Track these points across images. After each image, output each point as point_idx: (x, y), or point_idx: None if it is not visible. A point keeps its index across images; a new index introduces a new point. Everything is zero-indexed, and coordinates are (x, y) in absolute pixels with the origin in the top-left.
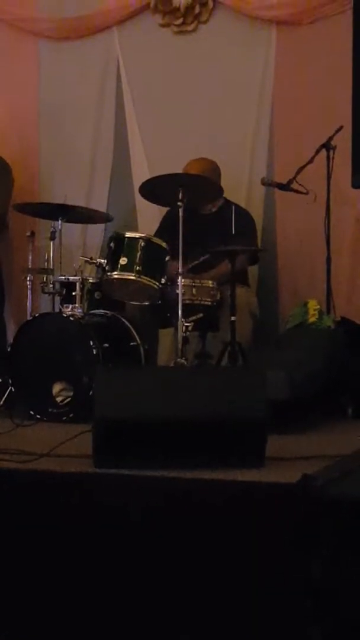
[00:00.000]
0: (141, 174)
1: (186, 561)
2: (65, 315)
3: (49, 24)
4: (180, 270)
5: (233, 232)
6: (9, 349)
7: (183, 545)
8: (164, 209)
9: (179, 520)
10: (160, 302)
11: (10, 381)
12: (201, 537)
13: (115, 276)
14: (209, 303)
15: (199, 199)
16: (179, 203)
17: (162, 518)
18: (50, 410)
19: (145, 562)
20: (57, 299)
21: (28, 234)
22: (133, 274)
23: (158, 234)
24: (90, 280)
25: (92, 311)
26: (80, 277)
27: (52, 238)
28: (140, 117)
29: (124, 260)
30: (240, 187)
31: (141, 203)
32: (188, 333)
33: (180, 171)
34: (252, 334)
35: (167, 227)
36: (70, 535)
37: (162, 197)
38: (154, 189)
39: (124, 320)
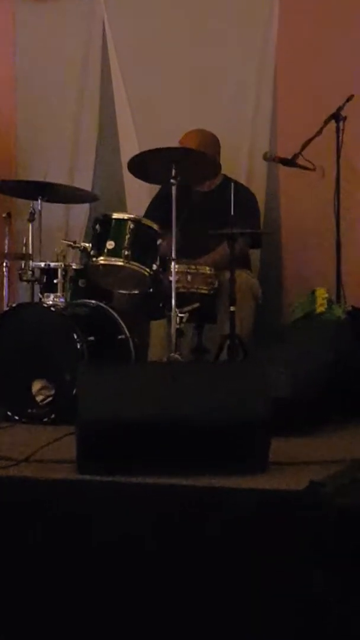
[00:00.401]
0: (130, 148)
1: (181, 577)
2: (45, 305)
3: None
4: (173, 254)
5: (232, 212)
6: None
7: (177, 560)
8: (156, 187)
9: (173, 532)
10: (151, 290)
11: None
12: (198, 551)
13: (102, 262)
14: (206, 291)
15: (194, 176)
16: (172, 180)
17: (154, 530)
18: (29, 411)
19: (136, 578)
20: (37, 287)
21: (4, 215)
22: (121, 260)
23: (149, 214)
24: (74, 267)
25: (76, 301)
26: (62, 263)
27: (31, 220)
28: (129, 85)
29: (111, 244)
30: (240, 162)
31: (130, 181)
32: (183, 325)
33: (174, 145)
34: (253, 325)
35: (158, 207)
36: (52, 548)
37: (153, 173)
38: (144, 165)
39: (111, 310)
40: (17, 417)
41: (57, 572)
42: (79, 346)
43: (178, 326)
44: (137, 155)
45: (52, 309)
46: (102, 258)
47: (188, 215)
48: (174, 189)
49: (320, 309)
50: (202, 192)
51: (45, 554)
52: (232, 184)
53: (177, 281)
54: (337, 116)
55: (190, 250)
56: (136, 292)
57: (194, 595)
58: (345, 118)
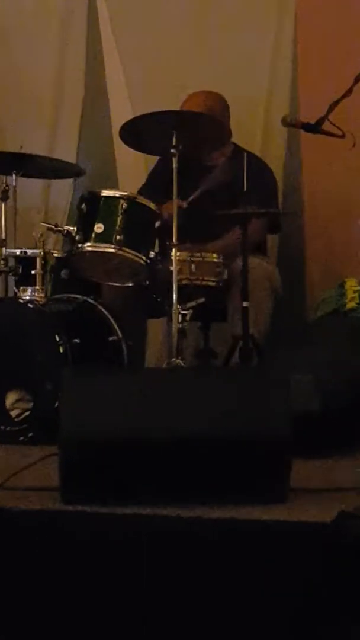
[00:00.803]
0: (122, 113)
1: (185, 628)
2: (21, 300)
3: None
4: (174, 240)
5: (245, 188)
6: None
7: (180, 606)
8: (153, 159)
9: (174, 573)
10: (148, 282)
11: None
12: (206, 596)
13: (89, 248)
14: (214, 284)
15: (199, 145)
16: (173, 150)
17: (151, 571)
18: (2, 428)
19: (132, 624)
20: (11, 279)
21: None
22: (112, 246)
23: (144, 191)
24: (55, 255)
25: (58, 296)
26: (41, 251)
27: (4, 198)
28: (120, 39)
29: (100, 228)
30: (255, 129)
31: (122, 152)
32: (185, 324)
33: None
34: (270, 324)
35: (156, 183)
36: (31, 590)
37: (150, 142)
38: (140, 133)
39: (100, 307)
40: None
41: (36, 618)
42: (62, 350)
43: (180, 325)
44: (130, 121)
45: (30, 305)
46: (89, 244)
47: (192, 191)
48: (175, 160)
49: (350, 304)
50: (209, 165)
51: (24, 595)
52: (245, 154)
53: (179, 271)
54: None
55: (195, 234)
56: (130, 284)
57: None
58: None
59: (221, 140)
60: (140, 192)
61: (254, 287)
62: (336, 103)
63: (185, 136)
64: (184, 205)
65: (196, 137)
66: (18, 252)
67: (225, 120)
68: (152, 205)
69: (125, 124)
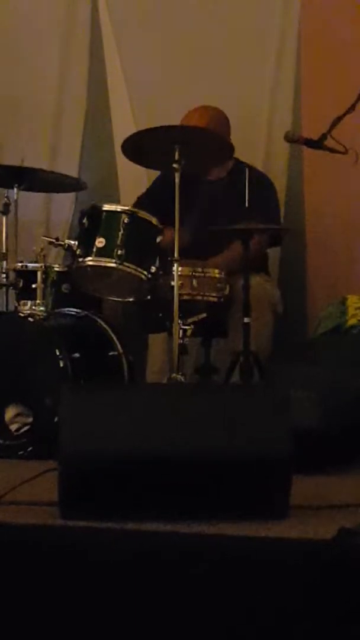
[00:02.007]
0: (124, 127)
1: None
2: (22, 314)
3: None
4: (176, 254)
5: (247, 203)
6: None
7: (180, 623)
8: (155, 174)
9: (174, 590)
10: (149, 297)
11: None
12: (205, 612)
13: (90, 263)
14: (215, 299)
15: (202, 161)
16: (175, 165)
17: (151, 588)
18: (1, 442)
19: None
20: (12, 293)
21: None
22: (113, 260)
23: (146, 206)
24: (56, 269)
25: (59, 310)
26: (42, 265)
27: (5, 212)
28: (123, 52)
29: (101, 242)
30: (257, 144)
31: (124, 166)
32: (186, 339)
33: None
34: (272, 339)
35: (157, 198)
36: (28, 607)
37: (152, 157)
38: (142, 147)
39: (100, 322)
40: None
41: (34, 633)
42: (62, 364)
43: (181, 341)
44: (133, 135)
45: (30, 319)
46: (90, 258)
47: (193, 207)
48: (177, 175)
49: (352, 321)
50: (210, 179)
51: (22, 610)
52: (247, 169)
53: (181, 287)
54: None
55: (195, 249)
56: (131, 299)
57: None
58: None
59: (224, 156)
60: (138, 202)
61: (254, 306)
62: (339, 119)
63: (188, 151)
64: (186, 238)
65: (198, 152)
66: (19, 265)
67: (225, 135)
68: (153, 220)
69: (128, 138)
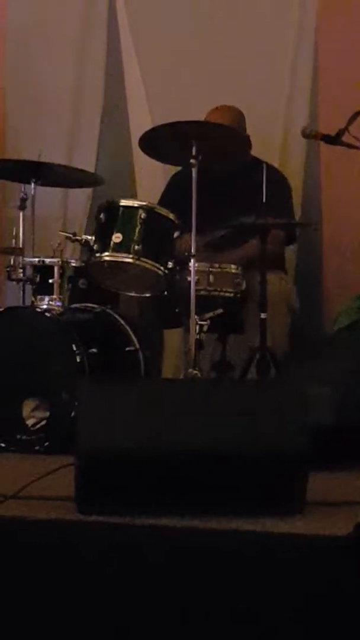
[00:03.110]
0: (142, 123)
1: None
2: (39, 310)
3: None
4: (192, 250)
5: (264, 199)
6: None
7: (196, 619)
8: (172, 170)
9: (191, 585)
10: (166, 293)
11: None
12: (222, 608)
13: (107, 258)
14: (231, 295)
15: (219, 157)
16: (192, 161)
17: (168, 583)
18: (18, 437)
19: (144, 635)
20: (29, 288)
21: None
22: (130, 256)
23: (163, 201)
24: (73, 264)
25: (75, 305)
26: (59, 260)
27: (22, 207)
28: (140, 48)
29: (118, 237)
30: (274, 140)
31: (141, 161)
32: (203, 335)
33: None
34: (288, 336)
35: (175, 193)
36: (45, 601)
37: (169, 152)
38: (159, 142)
39: (117, 317)
40: (3, 445)
41: (47, 630)
42: (78, 359)
43: (197, 336)
44: (150, 131)
45: (47, 314)
46: (107, 254)
47: (210, 202)
48: (194, 170)
49: None
50: (226, 177)
51: (37, 607)
52: (264, 165)
53: (197, 282)
54: None
55: (213, 244)
56: (148, 294)
57: None
58: None
59: (241, 152)
60: (159, 202)
61: (271, 300)
62: (356, 114)
63: (205, 147)
64: (202, 248)
65: (215, 148)
66: (36, 260)
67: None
68: (170, 216)
69: (145, 133)
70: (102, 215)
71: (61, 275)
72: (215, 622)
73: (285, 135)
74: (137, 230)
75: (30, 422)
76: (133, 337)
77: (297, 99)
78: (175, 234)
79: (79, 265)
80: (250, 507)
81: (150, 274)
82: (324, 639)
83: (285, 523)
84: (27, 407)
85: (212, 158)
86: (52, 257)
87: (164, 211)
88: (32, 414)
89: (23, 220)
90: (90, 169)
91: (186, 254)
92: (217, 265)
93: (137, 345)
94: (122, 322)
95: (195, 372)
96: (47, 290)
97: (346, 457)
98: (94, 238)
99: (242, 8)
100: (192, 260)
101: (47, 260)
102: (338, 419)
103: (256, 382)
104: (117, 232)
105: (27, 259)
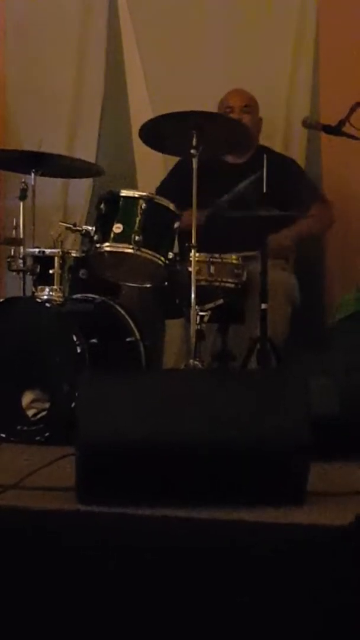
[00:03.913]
0: (142, 113)
1: (198, 628)
2: (39, 300)
3: None
4: (193, 240)
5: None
6: None
7: (197, 610)
8: (173, 160)
9: (191, 575)
10: (166, 283)
11: None
12: (222, 598)
13: (107, 249)
14: (232, 285)
15: (219, 146)
16: (192, 151)
17: (167, 573)
18: (19, 427)
19: (145, 626)
20: (29, 278)
21: None
22: (131, 246)
23: (164, 192)
24: (74, 254)
25: (76, 296)
26: (59, 250)
27: (23, 197)
28: (141, 38)
29: (119, 228)
30: (275, 131)
31: (142, 152)
32: (203, 326)
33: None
34: (288, 327)
35: (176, 183)
36: (44, 591)
37: (169, 143)
38: (159, 133)
39: (118, 308)
40: (3, 435)
41: (47, 620)
42: (79, 350)
43: (198, 327)
44: (150, 121)
45: (47, 304)
46: (107, 244)
47: (214, 192)
48: (194, 160)
49: None
50: (232, 164)
51: (37, 597)
52: (265, 154)
53: (198, 272)
54: None
55: (216, 240)
56: (148, 285)
57: None
58: None
59: (244, 142)
60: (159, 192)
61: (271, 291)
62: (357, 105)
63: (205, 136)
64: (202, 218)
65: (216, 138)
66: (36, 251)
67: (258, 121)
68: (171, 206)
69: (145, 124)
70: (102, 206)
71: (61, 266)
72: (215, 613)
73: (286, 126)
74: (137, 220)
75: (30, 412)
76: (133, 328)
77: (298, 89)
78: (176, 225)
79: (80, 256)
80: (251, 497)
81: (151, 265)
82: (325, 629)
83: (286, 513)
84: (28, 398)
85: (212, 147)
86: (53, 248)
87: (164, 202)
88: (33, 405)
89: (23, 210)
90: (91, 159)
91: (187, 245)
92: (217, 255)
93: (138, 336)
94: (123, 312)
95: (196, 362)
96: (48, 280)
97: (347, 447)
98: (94, 228)
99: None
100: (192, 251)
101: (48, 251)
102: (339, 409)
103: (257, 372)
104: (117, 222)
105: (28, 250)
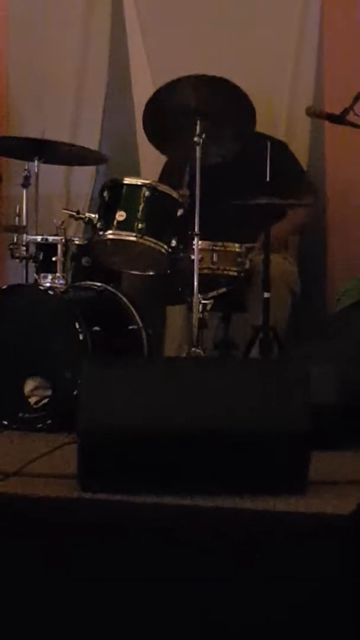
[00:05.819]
0: (146, 100)
1: (201, 619)
2: (41, 288)
3: None
4: (196, 228)
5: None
6: None
7: (197, 597)
8: None
9: (191, 563)
10: (169, 271)
11: None
12: (222, 586)
13: (110, 236)
14: (235, 274)
15: (224, 130)
16: (196, 139)
17: (168, 561)
18: (21, 415)
19: (145, 617)
20: (32, 266)
21: None
22: (133, 234)
23: (165, 178)
24: (76, 242)
25: (78, 283)
26: (62, 238)
27: (26, 185)
28: (145, 23)
29: (122, 215)
30: (278, 119)
31: (145, 140)
32: (206, 314)
33: None
34: (290, 316)
35: (177, 171)
36: (46, 579)
37: (172, 137)
38: (162, 127)
39: (120, 295)
40: (6, 423)
41: (50, 607)
42: (81, 337)
43: (200, 315)
44: (152, 113)
45: (50, 292)
46: (110, 232)
47: (214, 180)
48: (198, 148)
49: None
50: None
51: (39, 584)
52: (269, 142)
53: (201, 261)
54: None
55: (214, 226)
56: (151, 273)
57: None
58: None
59: (248, 122)
60: (160, 180)
61: (273, 280)
62: None
63: (209, 124)
64: (187, 192)
65: (221, 122)
66: (39, 238)
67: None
68: (174, 194)
69: (146, 118)
70: (105, 194)
71: (64, 253)
72: (217, 599)
73: (289, 114)
74: (140, 208)
75: (32, 400)
76: (136, 316)
77: (302, 77)
78: (179, 212)
79: (82, 244)
80: (252, 485)
81: (154, 253)
82: (326, 616)
83: (287, 502)
84: (30, 385)
85: (217, 133)
86: (56, 235)
87: (167, 189)
88: (35, 392)
89: (26, 198)
90: (94, 147)
91: (190, 233)
92: (220, 244)
93: (140, 324)
94: (125, 300)
95: (198, 350)
96: (50, 268)
97: (349, 436)
98: (97, 216)
99: None
100: (195, 239)
101: (51, 238)
102: (340, 398)
103: (259, 361)
104: (120, 210)
105: (31, 237)
